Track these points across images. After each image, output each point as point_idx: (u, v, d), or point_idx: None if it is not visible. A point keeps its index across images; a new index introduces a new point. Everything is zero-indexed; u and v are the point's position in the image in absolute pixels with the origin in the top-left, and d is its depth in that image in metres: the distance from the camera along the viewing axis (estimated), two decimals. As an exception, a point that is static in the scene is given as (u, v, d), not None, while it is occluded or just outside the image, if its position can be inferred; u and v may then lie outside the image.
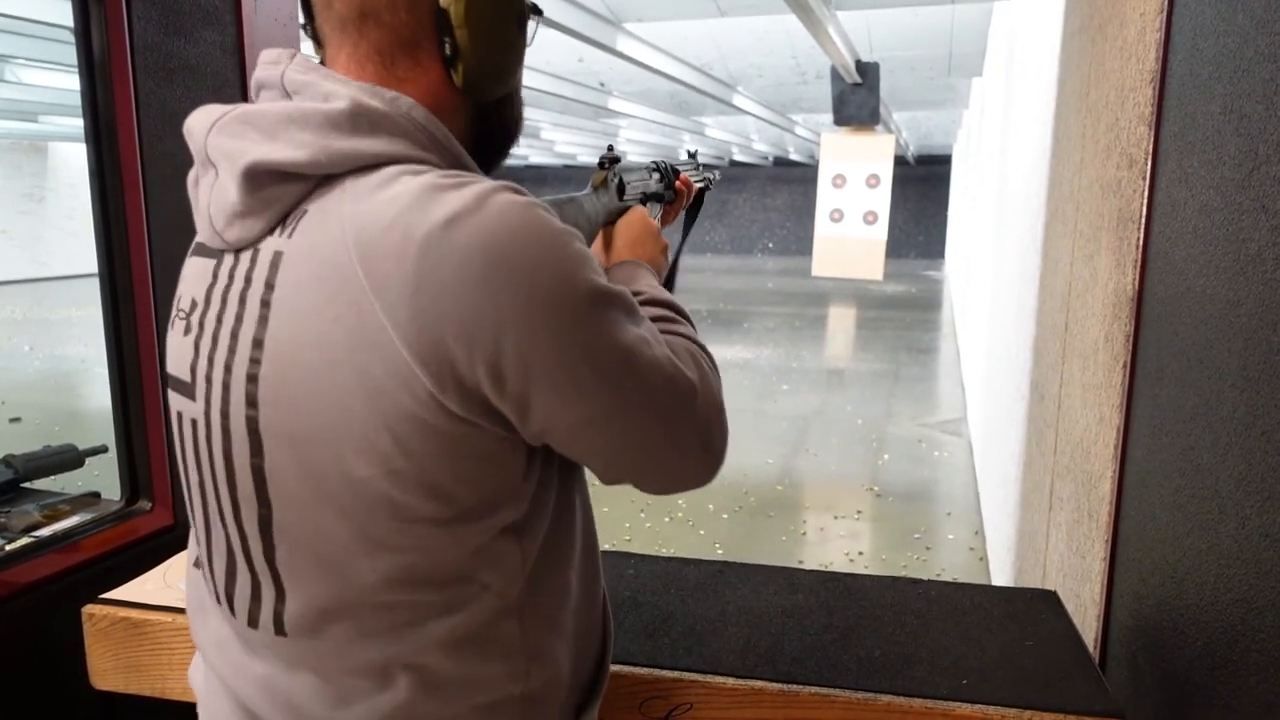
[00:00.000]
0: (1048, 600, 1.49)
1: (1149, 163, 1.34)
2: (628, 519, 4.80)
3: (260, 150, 0.70)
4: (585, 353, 0.68)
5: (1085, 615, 1.55)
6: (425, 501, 0.69)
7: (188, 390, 0.77)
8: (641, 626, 1.31)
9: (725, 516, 4.95)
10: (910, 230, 24.21)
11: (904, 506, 5.12)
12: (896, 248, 22.82)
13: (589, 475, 0.83)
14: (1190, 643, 1.00)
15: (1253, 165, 0.89)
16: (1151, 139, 1.33)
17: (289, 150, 0.69)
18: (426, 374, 0.65)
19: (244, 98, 1.70)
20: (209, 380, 0.74)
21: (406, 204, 0.66)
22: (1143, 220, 1.35)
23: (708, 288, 17.49)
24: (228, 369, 0.72)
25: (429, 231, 0.64)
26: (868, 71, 6.85)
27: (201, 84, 1.61)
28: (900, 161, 19.21)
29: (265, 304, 0.70)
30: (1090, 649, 1.45)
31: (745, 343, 10.95)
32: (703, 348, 0.84)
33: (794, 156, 20.94)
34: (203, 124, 0.74)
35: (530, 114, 11.03)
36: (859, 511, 5.05)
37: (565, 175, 25.43)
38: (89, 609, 1.30)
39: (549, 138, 14.70)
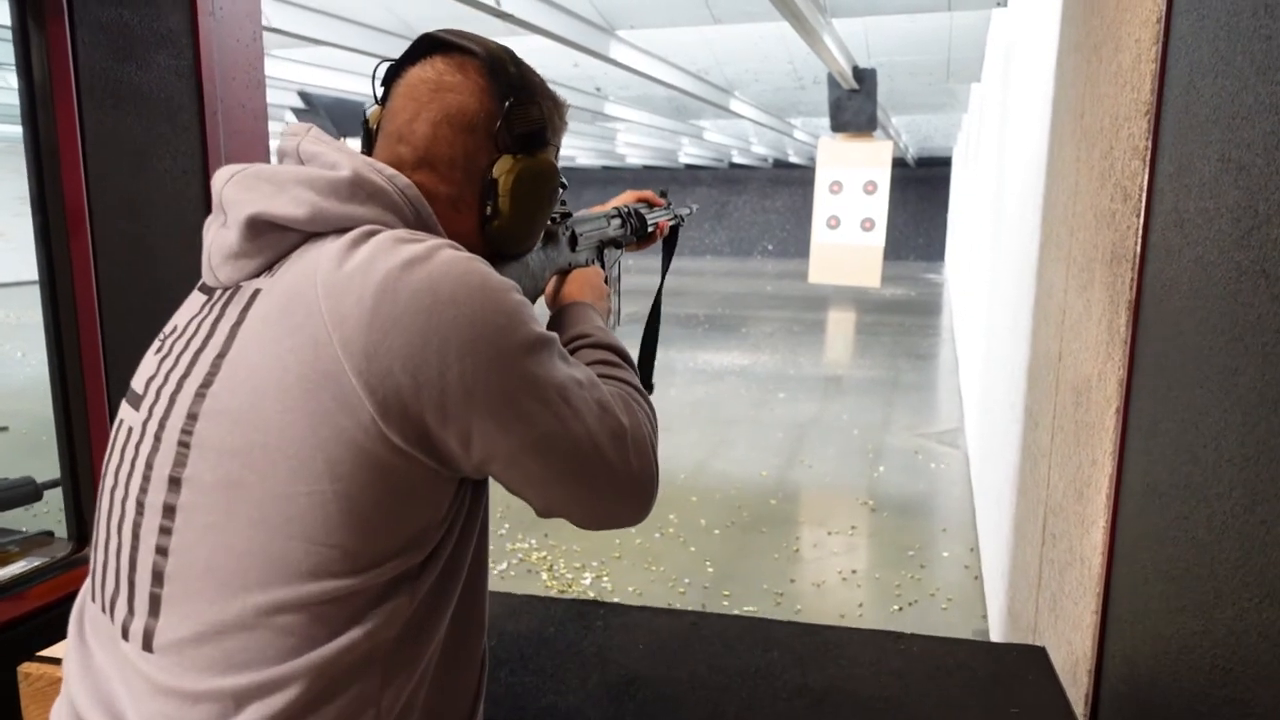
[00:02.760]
0: (1035, 658, 1.42)
1: (1143, 199, 1.27)
2: (618, 535, 4.73)
3: (266, 202, 0.78)
4: (523, 383, 0.75)
5: (1077, 668, 1.48)
6: (342, 528, 0.72)
7: (136, 401, 0.82)
8: (605, 689, 1.25)
9: (717, 532, 4.88)
10: (910, 233, 24.12)
11: (899, 521, 5.05)
12: (896, 250, 22.74)
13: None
14: (1184, 731, 0.93)
15: (1252, 223, 0.82)
16: (1146, 175, 1.26)
17: (290, 206, 0.78)
18: (373, 401, 0.71)
19: (201, 125, 1.63)
20: (159, 394, 0.79)
21: (371, 253, 0.74)
22: (1137, 259, 1.28)
23: (706, 291, 17.43)
24: (179, 385, 0.77)
25: (386, 273, 0.73)
26: (865, 78, 6.79)
27: (154, 111, 1.54)
28: (900, 164, 19.14)
29: (233, 332, 0.77)
30: (1081, 708, 1.38)
31: (742, 348, 10.88)
32: (641, 394, 0.91)
33: (793, 159, 20.87)
34: (223, 177, 0.83)
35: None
36: (853, 527, 4.98)
37: (564, 177, 25.31)
38: (25, 668, 1.24)
39: (547, 141, 14.60)
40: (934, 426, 7.14)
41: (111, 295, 1.49)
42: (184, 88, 1.59)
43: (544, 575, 4.32)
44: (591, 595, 4.08)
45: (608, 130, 13.49)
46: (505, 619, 1.45)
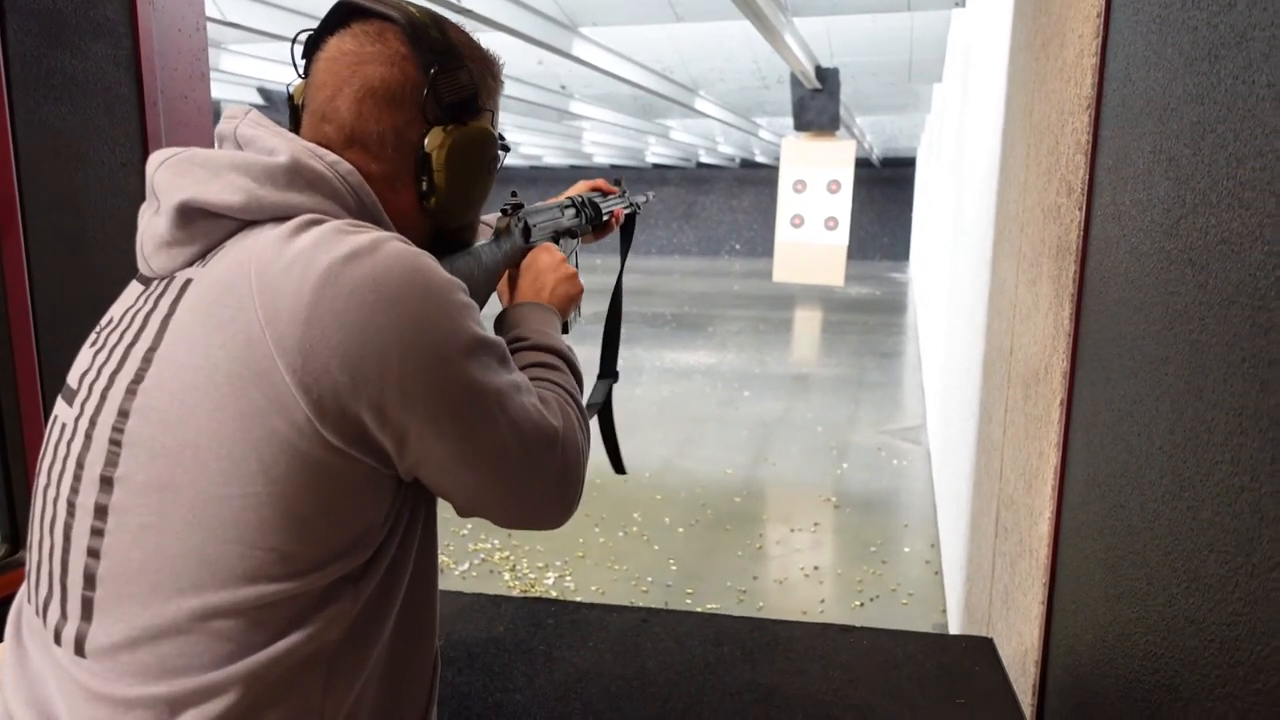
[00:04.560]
0: (983, 649, 1.43)
1: (1085, 193, 1.28)
2: (581, 534, 4.72)
3: (199, 189, 0.75)
4: (463, 390, 0.73)
5: (1025, 659, 1.49)
6: (278, 531, 0.69)
7: (70, 397, 0.79)
8: (552, 688, 1.23)
9: (681, 530, 4.88)
10: (875, 232, 24.33)
11: (861, 518, 5.09)
12: (862, 250, 22.92)
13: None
14: (1120, 718, 0.94)
15: (1181, 213, 0.83)
16: (1087, 169, 1.27)
17: (224, 193, 0.75)
18: (307, 401, 0.68)
19: (141, 115, 1.59)
20: (91, 389, 0.76)
21: (310, 244, 0.71)
22: (1079, 253, 1.30)
23: (673, 290, 17.45)
24: (111, 380, 0.75)
25: (328, 266, 0.70)
26: (827, 77, 6.83)
27: (91, 101, 1.50)
28: (865, 164, 19.26)
29: (164, 325, 0.74)
30: (1028, 698, 1.39)
31: (709, 347, 10.90)
32: (575, 398, 0.89)
33: (760, 159, 20.96)
34: (156, 161, 0.79)
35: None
36: (816, 524, 5.00)
37: (532, 176, 25.24)
38: (-48, 675, 1.19)
39: (512, 139, 14.56)
40: (898, 423, 7.21)
41: (46, 292, 1.45)
42: (122, 78, 1.55)
43: (506, 575, 4.29)
44: (554, 595, 4.06)
45: (574, 129, 13.45)
46: (453, 619, 1.44)
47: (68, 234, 1.49)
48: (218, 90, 7.56)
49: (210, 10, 4.48)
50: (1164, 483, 0.82)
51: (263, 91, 8.14)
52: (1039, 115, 1.77)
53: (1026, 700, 1.38)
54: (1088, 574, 1.14)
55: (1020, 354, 1.87)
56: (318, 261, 0.70)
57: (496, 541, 4.65)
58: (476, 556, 4.49)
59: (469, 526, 4.77)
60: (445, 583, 4.19)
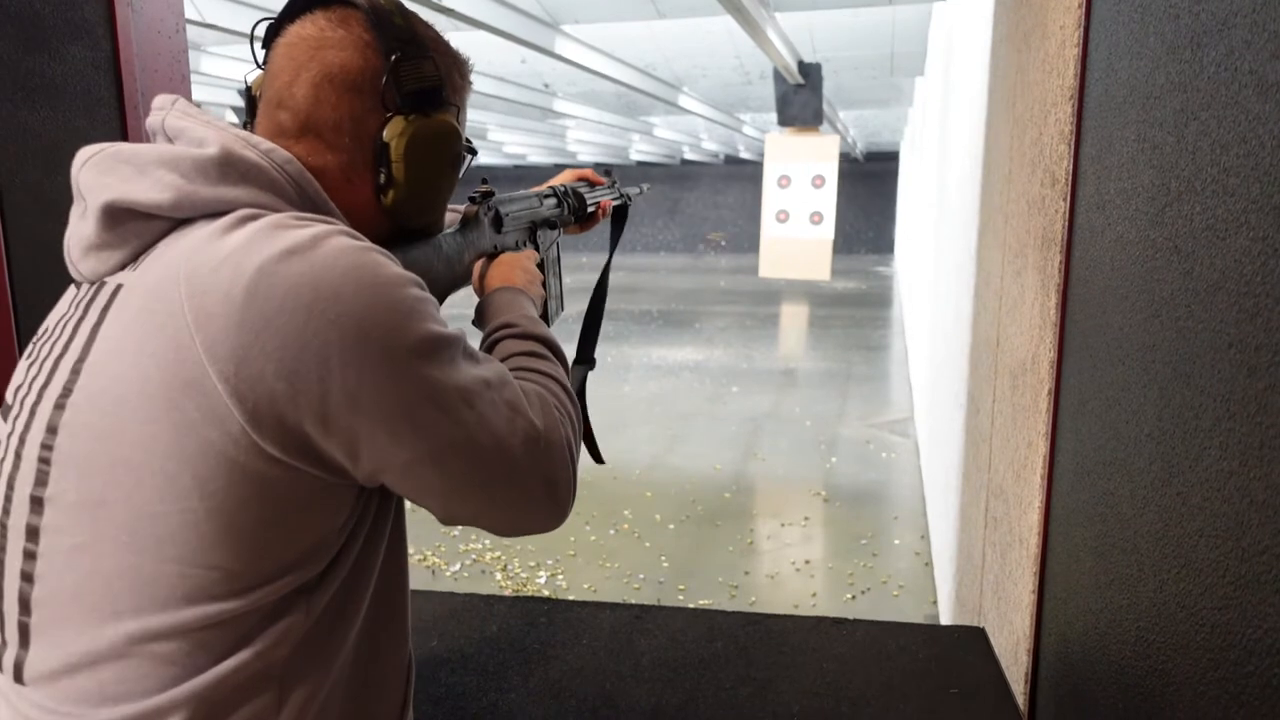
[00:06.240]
0: (975, 640, 1.43)
1: (1069, 184, 1.29)
2: (573, 533, 4.71)
3: (125, 188, 0.71)
4: (418, 390, 0.67)
5: (1017, 648, 1.50)
6: (219, 549, 0.66)
7: (6, 414, 0.76)
8: (547, 686, 1.23)
9: (672, 527, 4.88)
10: (860, 227, 24.41)
11: (851, 511, 5.10)
12: (847, 244, 22.99)
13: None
14: (1112, 704, 0.95)
15: (1165, 201, 0.83)
16: (1071, 159, 1.28)
17: (153, 192, 0.70)
18: (242, 411, 0.64)
19: (121, 118, 1.58)
20: (22, 405, 0.73)
21: (243, 242, 0.67)
22: (1064, 243, 1.30)
23: (659, 287, 17.45)
24: (40, 395, 0.71)
25: (261, 264, 0.65)
26: (810, 73, 6.85)
27: (70, 104, 1.48)
28: (849, 159, 19.33)
29: (93, 334, 0.70)
30: (1020, 686, 1.40)
31: (695, 344, 10.91)
32: (566, 390, 0.84)
33: (744, 155, 20.99)
34: (80, 158, 0.75)
35: (476, 115, 10.86)
36: (806, 518, 5.02)
37: (516, 175, 25.15)
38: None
39: (496, 139, 14.52)
40: (885, 416, 7.23)
41: (26, 300, 1.44)
42: (102, 80, 1.53)
43: (498, 575, 4.29)
44: (546, 594, 4.06)
45: (558, 127, 13.43)
46: (446, 619, 1.43)
47: (46, 241, 1.47)
48: (198, 93, 7.51)
49: (190, 12, 4.44)
50: (1153, 469, 0.83)
51: (243, 94, 8.08)
52: (1021, 107, 1.77)
53: (1019, 689, 1.38)
54: (1078, 562, 1.15)
55: (1007, 345, 1.88)
56: (249, 260, 0.65)
57: (488, 542, 4.64)
58: (468, 557, 4.48)
59: (459, 527, 4.76)
60: (437, 584, 4.18)
